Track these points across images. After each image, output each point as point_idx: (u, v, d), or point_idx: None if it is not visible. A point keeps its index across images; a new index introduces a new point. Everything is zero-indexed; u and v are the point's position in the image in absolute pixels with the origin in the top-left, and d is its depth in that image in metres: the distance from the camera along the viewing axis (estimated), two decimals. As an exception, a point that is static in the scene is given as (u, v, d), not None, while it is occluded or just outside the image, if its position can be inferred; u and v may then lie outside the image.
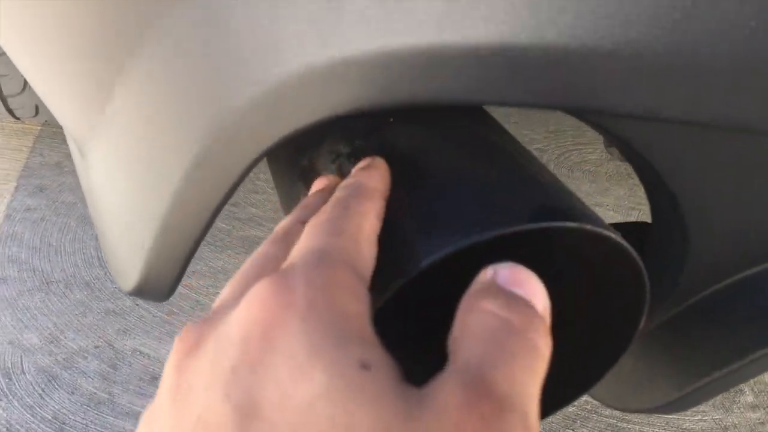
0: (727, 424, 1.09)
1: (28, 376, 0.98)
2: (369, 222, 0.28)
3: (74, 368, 1.00)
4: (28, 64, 0.47)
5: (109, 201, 0.44)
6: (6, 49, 0.50)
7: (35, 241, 1.26)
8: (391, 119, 0.38)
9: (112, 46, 0.40)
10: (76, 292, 1.15)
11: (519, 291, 0.23)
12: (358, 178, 0.31)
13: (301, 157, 0.41)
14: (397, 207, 0.31)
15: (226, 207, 1.28)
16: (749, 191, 0.33)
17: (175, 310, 1.13)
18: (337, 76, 0.31)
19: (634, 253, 0.31)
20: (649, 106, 0.30)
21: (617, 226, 0.49)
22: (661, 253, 0.37)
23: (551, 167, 1.47)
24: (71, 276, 1.19)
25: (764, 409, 1.12)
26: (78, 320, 1.09)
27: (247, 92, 0.34)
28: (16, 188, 1.41)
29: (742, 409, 1.11)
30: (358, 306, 0.22)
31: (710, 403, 1.11)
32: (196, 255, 1.30)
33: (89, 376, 0.99)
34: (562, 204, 0.32)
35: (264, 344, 0.20)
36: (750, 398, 1.13)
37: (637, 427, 1.05)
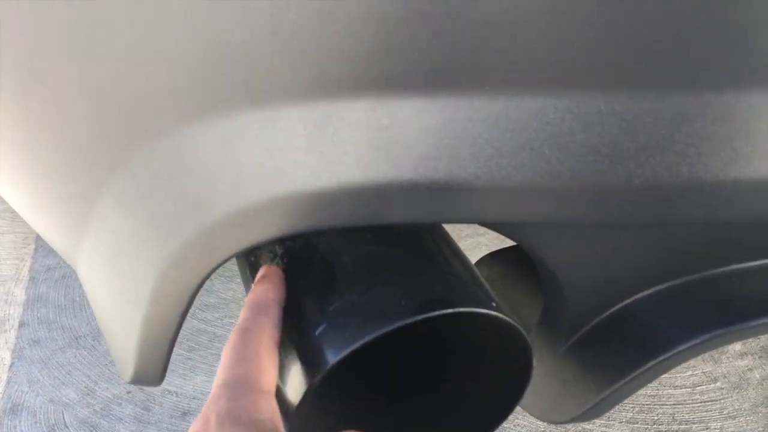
0: (717, 375, 1.16)
1: (71, 430, 1.08)
2: (266, 336, 0.36)
3: (111, 416, 1.10)
4: (16, 203, 0.56)
5: (101, 310, 0.52)
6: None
7: (60, 299, 1.36)
8: None
9: (84, 188, 0.48)
10: (102, 343, 1.25)
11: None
12: (255, 294, 0.40)
13: (250, 255, 0.49)
14: (307, 308, 0.40)
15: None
16: (595, 255, 0.40)
17: (195, 346, 1.23)
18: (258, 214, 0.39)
19: (513, 322, 0.39)
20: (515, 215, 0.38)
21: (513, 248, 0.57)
22: (547, 297, 0.45)
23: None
24: (96, 328, 1.29)
25: (752, 355, 1.19)
26: (108, 370, 1.19)
27: (198, 223, 0.42)
28: (35, 249, 1.52)
29: (730, 359, 1.18)
30: (255, 413, 0.32)
31: (700, 357, 1.18)
32: (208, 288, 1.38)
33: (126, 421, 1.09)
34: (452, 293, 0.39)
35: None
36: (738, 346, 1.20)
37: (632, 391, 1.13)
